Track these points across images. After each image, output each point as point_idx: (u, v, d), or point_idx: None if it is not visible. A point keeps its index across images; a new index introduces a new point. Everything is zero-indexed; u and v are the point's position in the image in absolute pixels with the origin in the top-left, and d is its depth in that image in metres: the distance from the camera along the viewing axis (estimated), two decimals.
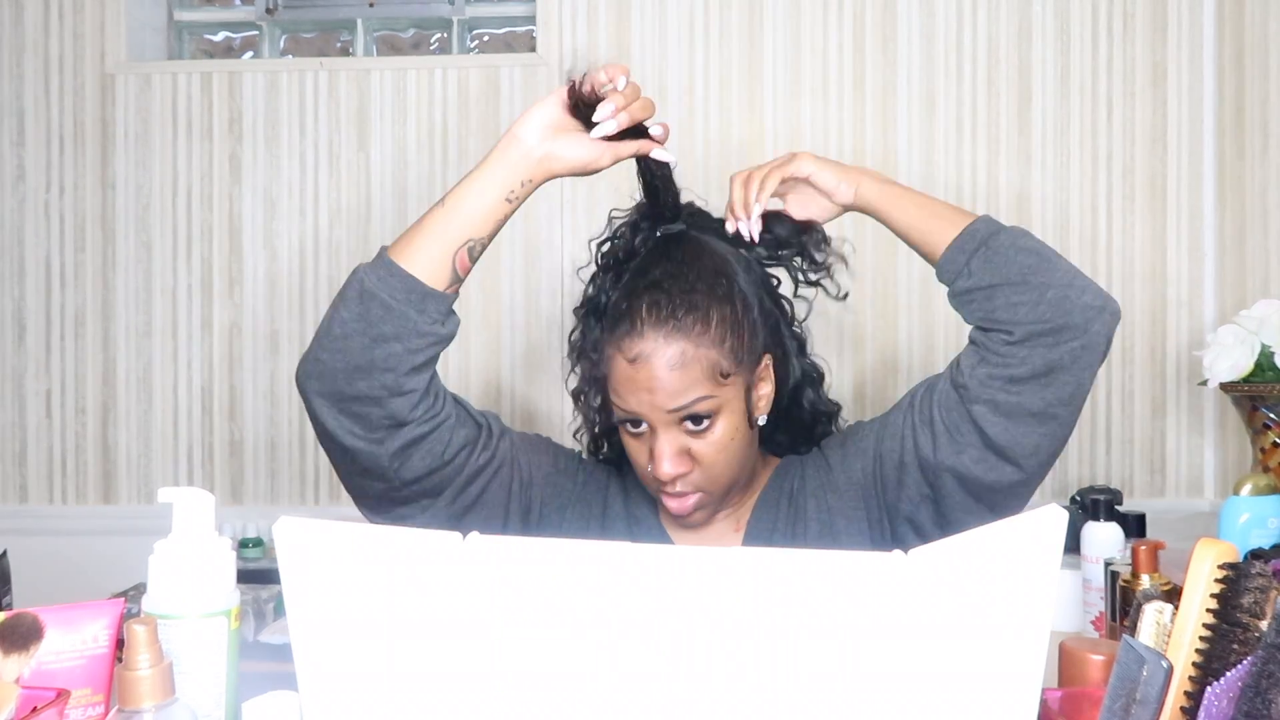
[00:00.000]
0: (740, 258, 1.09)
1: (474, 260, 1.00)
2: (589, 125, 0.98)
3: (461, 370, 2.07)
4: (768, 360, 1.08)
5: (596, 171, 1.01)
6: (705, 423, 1.01)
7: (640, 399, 1.00)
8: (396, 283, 0.96)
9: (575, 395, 1.12)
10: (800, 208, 1.11)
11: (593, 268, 1.12)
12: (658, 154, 1.03)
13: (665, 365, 0.99)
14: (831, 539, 1.08)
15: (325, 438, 1.00)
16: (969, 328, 1.05)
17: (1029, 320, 0.98)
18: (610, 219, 1.12)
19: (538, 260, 2.08)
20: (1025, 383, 0.99)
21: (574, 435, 1.19)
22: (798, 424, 1.15)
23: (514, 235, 2.08)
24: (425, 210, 0.99)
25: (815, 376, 1.15)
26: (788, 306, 1.14)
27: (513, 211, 1.00)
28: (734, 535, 1.12)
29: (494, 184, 0.98)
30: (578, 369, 1.10)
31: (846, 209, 1.11)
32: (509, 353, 2.07)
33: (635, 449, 1.05)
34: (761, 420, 1.08)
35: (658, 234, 1.10)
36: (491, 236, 1.00)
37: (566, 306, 2.06)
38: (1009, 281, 1.00)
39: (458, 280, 0.99)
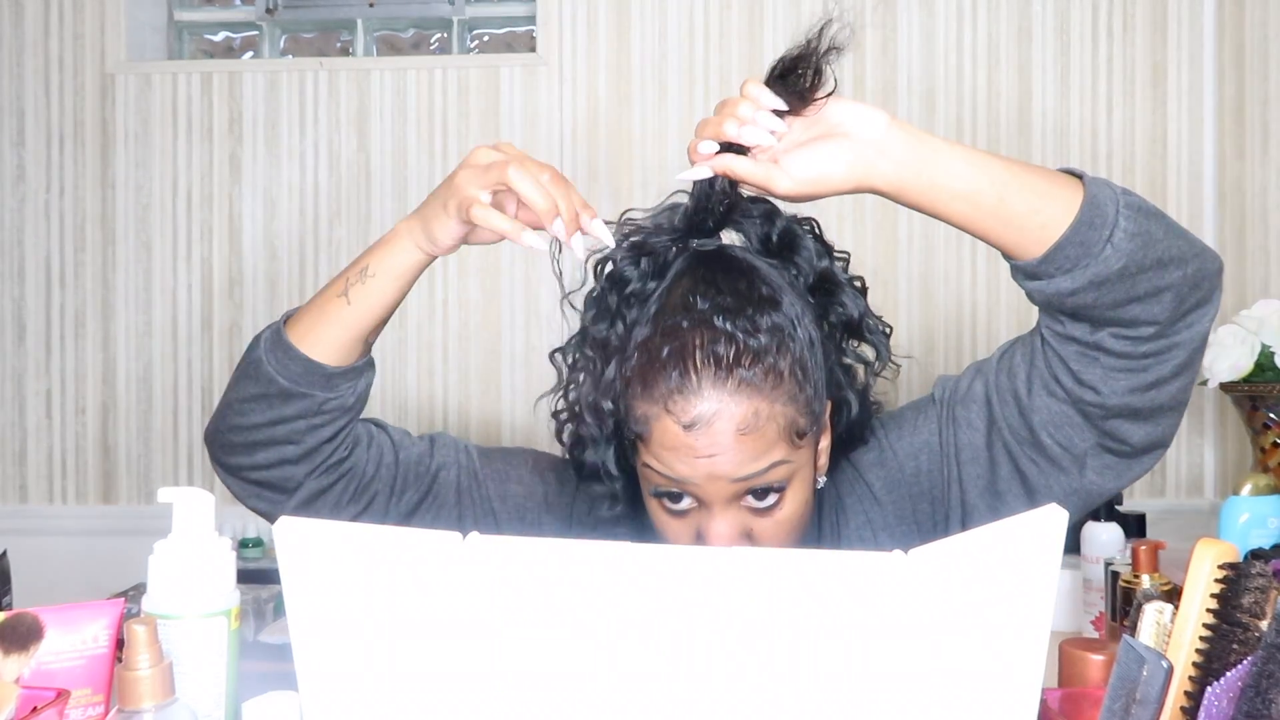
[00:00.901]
0: (785, 275, 0.87)
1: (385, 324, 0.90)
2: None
3: (461, 371, 2.07)
4: (828, 407, 0.87)
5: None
6: (773, 497, 0.82)
7: (696, 469, 0.79)
8: (297, 367, 0.85)
9: (574, 454, 0.92)
10: (792, 162, 0.77)
11: (583, 292, 0.92)
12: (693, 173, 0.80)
13: (734, 429, 0.78)
14: None
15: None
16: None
17: (1173, 310, 0.77)
18: (621, 225, 0.89)
19: (537, 261, 2.08)
20: (1169, 380, 0.80)
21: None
22: (839, 446, 0.93)
23: None
24: (322, 287, 0.89)
25: (865, 393, 0.93)
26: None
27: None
28: None
29: (396, 285, 0.86)
30: (584, 420, 0.88)
31: (868, 178, 0.77)
32: (509, 353, 2.07)
33: (674, 529, 0.84)
34: (823, 480, 0.89)
35: (682, 249, 0.88)
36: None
37: (566, 307, 2.06)
38: (1157, 261, 0.75)
39: (367, 350, 0.89)
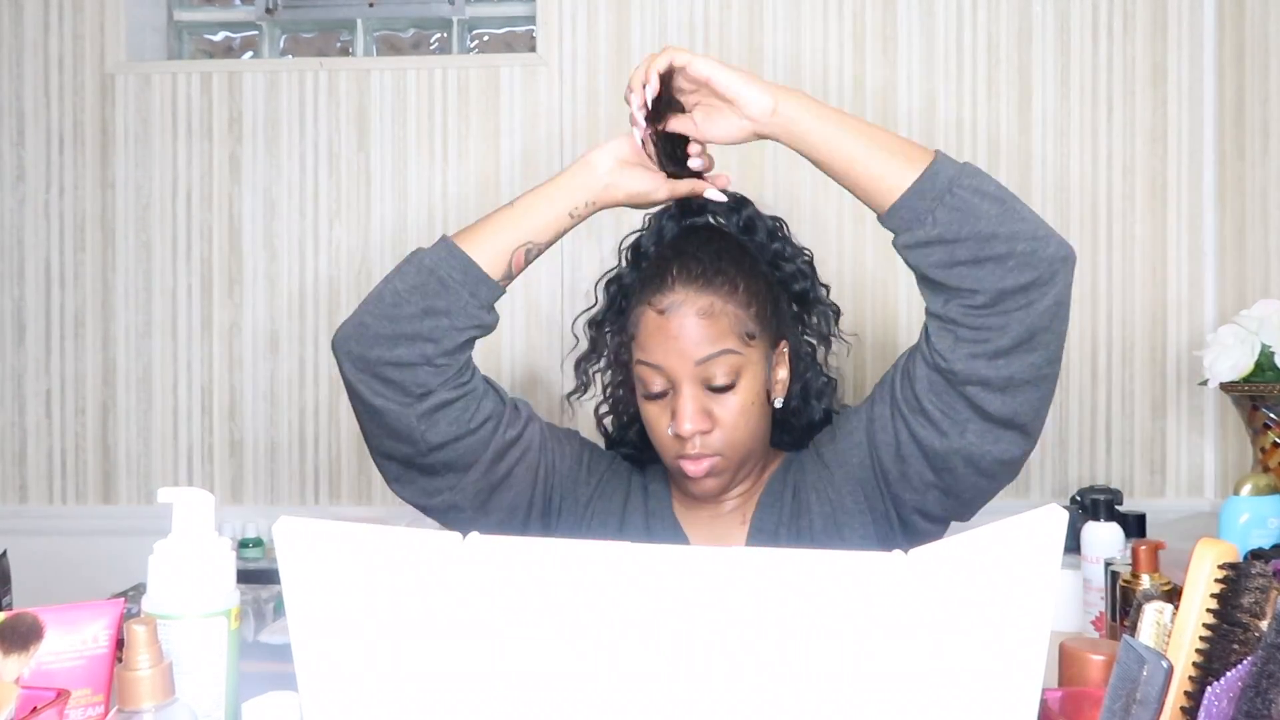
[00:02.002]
0: (750, 244, 1.14)
1: (529, 261, 1.07)
2: (668, 161, 1.05)
3: None
4: (785, 347, 1.11)
5: (651, 205, 1.10)
6: (727, 389, 1.04)
7: (668, 349, 1.03)
8: (455, 263, 1.02)
9: (612, 400, 1.18)
10: (707, 125, 1.01)
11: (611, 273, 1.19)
12: (710, 194, 1.08)
13: (695, 314, 1.03)
14: (837, 536, 1.07)
15: (354, 398, 1.05)
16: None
17: (998, 282, 0.92)
18: (645, 221, 1.18)
19: (537, 261, 2.08)
20: (1010, 353, 0.94)
21: (598, 420, 1.23)
22: (805, 426, 1.17)
23: None
24: (492, 211, 1.07)
25: (831, 384, 1.18)
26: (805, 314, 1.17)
27: (572, 226, 1.07)
28: (740, 528, 1.12)
29: (561, 198, 1.05)
30: (601, 363, 1.16)
31: (760, 133, 0.99)
32: (508, 352, 2.07)
33: (655, 416, 1.07)
34: (778, 402, 1.11)
35: (682, 224, 1.14)
36: (549, 244, 1.08)
37: (566, 308, 2.06)
38: (977, 235, 0.92)
39: (509, 276, 1.06)
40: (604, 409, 1.21)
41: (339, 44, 2.32)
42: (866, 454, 1.07)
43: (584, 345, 1.18)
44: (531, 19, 2.20)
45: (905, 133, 2.04)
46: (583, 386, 1.18)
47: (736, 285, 1.05)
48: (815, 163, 1.00)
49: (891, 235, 0.98)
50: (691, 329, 1.03)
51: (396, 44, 2.31)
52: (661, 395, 1.06)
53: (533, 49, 2.16)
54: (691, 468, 1.06)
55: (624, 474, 1.18)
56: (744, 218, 1.15)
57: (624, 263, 1.18)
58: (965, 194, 0.92)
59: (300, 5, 2.27)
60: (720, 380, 1.04)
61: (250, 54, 2.31)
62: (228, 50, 2.33)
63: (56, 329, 2.14)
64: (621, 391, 1.17)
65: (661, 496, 1.15)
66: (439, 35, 2.30)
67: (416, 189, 2.10)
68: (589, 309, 1.18)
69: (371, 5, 2.25)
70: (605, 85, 2.08)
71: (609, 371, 1.17)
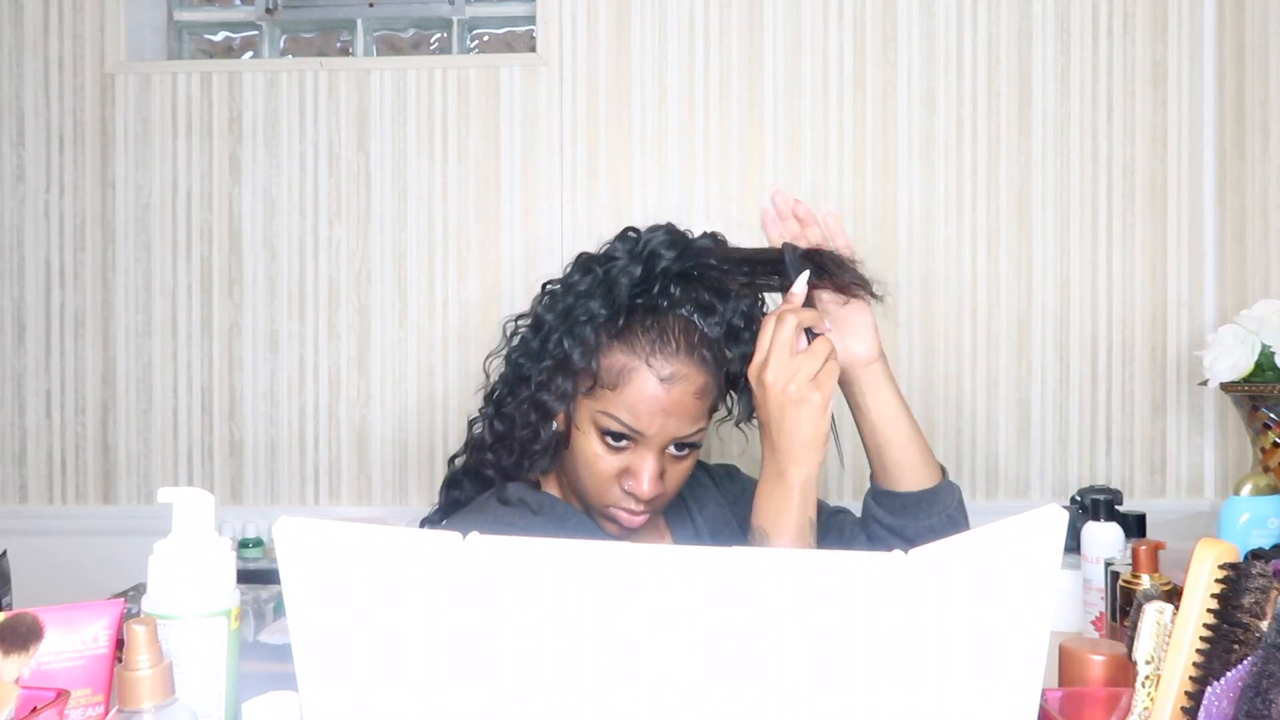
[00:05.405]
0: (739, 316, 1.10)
1: None
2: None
3: (461, 370, 2.07)
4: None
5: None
6: (687, 451, 1.05)
7: (654, 419, 1.00)
8: None
9: (509, 406, 1.11)
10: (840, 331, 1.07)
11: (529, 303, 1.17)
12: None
13: (693, 392, 1.01)
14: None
15: None
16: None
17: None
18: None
19: (537, 261, 2.08)
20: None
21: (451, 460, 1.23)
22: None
23: (514, 235, 2.08)
24: None
25: None
26: None
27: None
28: (665, 535, 1.17)
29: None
30: (531, 378, 1.07)
31: (850, 368, 1.07)
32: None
33: (606, 460, 1.03)
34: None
35: (685, 263, 1.05)
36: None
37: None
38: (940, 529, 1.09)
39: None
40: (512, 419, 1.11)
41: (339, 44, 2.31)
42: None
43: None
44: (531, 19, 2.20)
45: (905, 133, 2.05)
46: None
47: (722, 357, 1.04)
48: (872, 425, 1.08)
49: (881, 497, 1.11)
50: (688, 406, 1.01)
51: (396, 44, 2.31)
52: (621, 447, 1.03)
53: (533, 49, 2.16)
54: (629, 520, 1.05)
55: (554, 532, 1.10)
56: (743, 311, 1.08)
57: (573, 290, 1.06)
58: (955, 513, 1.12)
59: (300, 5, 2.27)
60: (681, 449, 1.04)
61: (250, 54, 2.31)
62: (228, 50, 2.33)
63: (56, 329, 2.14)
64: (555, 412, 1.06)
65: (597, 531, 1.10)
66: (439, 35, 2.30)
67: (416, 189, 2.10)
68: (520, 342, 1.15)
69: (371, 5, 2.25)
70: (605, 85, 2.08)
71: (540, 399, 1.07)
